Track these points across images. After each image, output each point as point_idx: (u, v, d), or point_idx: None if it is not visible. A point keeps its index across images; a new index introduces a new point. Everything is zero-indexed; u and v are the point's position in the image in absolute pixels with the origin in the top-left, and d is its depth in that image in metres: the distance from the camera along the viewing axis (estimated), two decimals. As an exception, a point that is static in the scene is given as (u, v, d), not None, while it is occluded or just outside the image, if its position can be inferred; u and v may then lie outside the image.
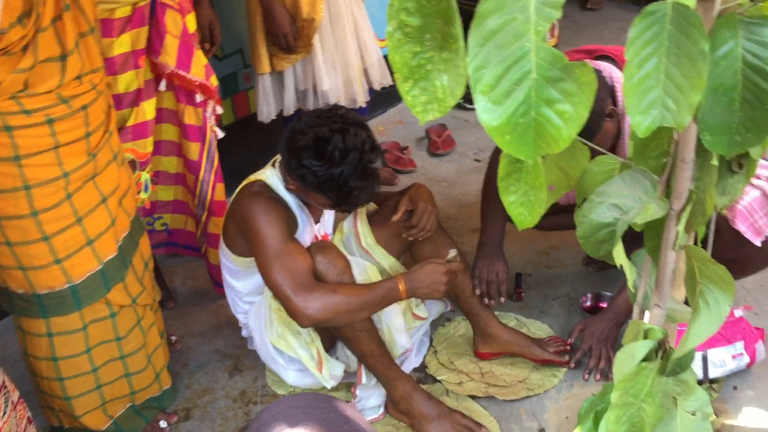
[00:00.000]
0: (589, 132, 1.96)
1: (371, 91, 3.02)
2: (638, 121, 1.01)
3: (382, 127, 3.77)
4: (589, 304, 2.48)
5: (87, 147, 1.74)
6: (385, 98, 3.78)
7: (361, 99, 2.90)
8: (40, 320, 1.82)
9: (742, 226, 1.93)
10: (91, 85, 1.73)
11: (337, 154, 1.82)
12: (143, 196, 2.27)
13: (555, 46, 3.97)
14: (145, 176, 2.20)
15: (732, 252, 1.98)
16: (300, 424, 0.86)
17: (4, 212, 1.68)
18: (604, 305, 2.43)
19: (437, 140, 3.56)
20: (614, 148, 2.10)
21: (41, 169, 1.67)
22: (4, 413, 1.62)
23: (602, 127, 1.99)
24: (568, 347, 2.26)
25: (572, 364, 2.22)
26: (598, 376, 2.19)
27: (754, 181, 1.99)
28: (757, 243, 1.94)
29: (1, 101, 1.58)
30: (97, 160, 1.78)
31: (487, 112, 0.91)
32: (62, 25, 1.63)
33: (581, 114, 0.92)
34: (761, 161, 2.07)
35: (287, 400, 0.91)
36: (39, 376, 1.94)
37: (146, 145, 2.17)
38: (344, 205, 1.92)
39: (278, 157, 2.03)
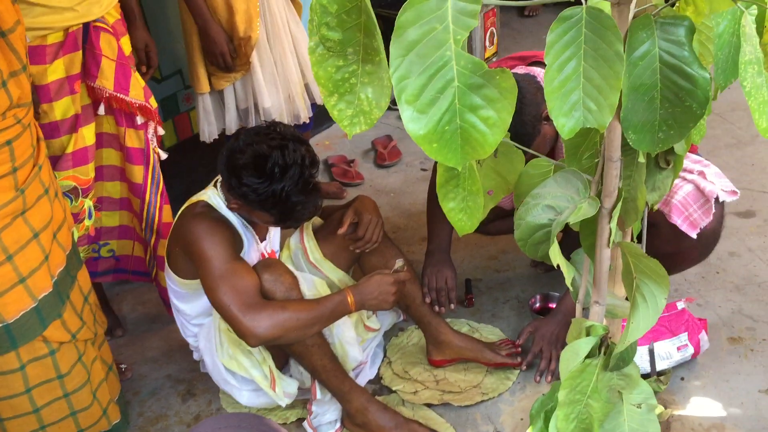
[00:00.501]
0: (528, 136, 2.00)
1: (314, 106, 3.02)
2: (562, 123, 1.03)
3: (328, 141, 3.78)
4: (538, 305, 2.51)
5: (14, 182, 1.70)
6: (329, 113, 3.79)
7: (304, 114, 2.90)
8: None
9: (678, 220, 1.99)
10: (15, 119, 1.69)
11: (277, 171, 1.82)
12: (87, 223, 2.23)
13: (495, 54, 4.03)
14: (88, 203, 2.17)
15: (670, 246, 2.03)
16: None
17: None
18: (553, 305, 2.47)
19: (383, 152, 3.58)
20: (554, 149, 2.14)
21: None
22: None
23: (540, 130, 2.03)
24: (519, 349, 2.29)
25: (524, 366, 2.25)
26: (550, 378, 2.22)
27: (687, 175, 2.05)
28: (693, 236, 1.99)
29: None
30: (26, 196, 1.73)
31: (413, 122, 0.93)
32: None
33: (504, 119, 0.94)
34: (693, 156, 2.13)
35: (210, 421, 0.90)
36: None
37: (88, 172, 2.14)
38: (288, 221, 1.92)
39: (219, 177, 2.02)
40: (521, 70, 2.13)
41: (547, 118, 2.07)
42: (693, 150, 2.21)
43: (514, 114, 0.94)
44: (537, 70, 2.10)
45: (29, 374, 1.83)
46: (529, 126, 1.98)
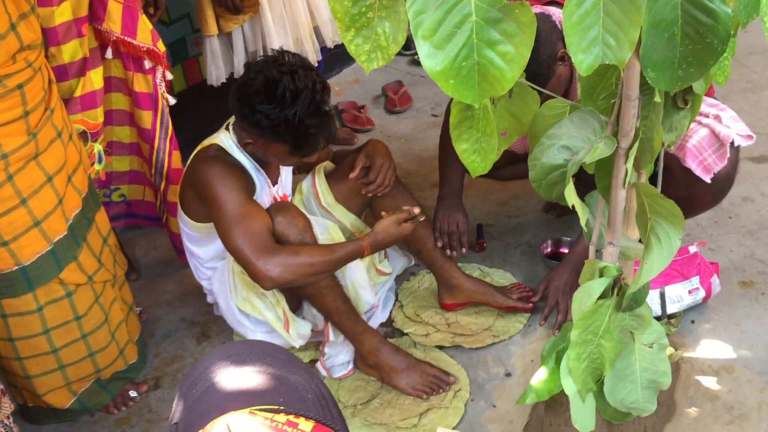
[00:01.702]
0: (543, 77, 1.97)
1: (324, 50, 2.99)
2: (580, 59, 1.02)
3: (338, 87, 3.74)
4: (549, 250, 2.51)
5: (26, 126, 1.70)
6: (339, 58, 3.74)
7: (313, 58, 2.87)
8: None
9: (692, 164, 1.97)
10: (25, 62, 1.67)
11: (288, 95, 1.80)
12: (97, 167, 2.23)
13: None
14: (98, 147, 2.16)
15: (684, 190, 2.01)
16: (238, 356, 0.87)
17: None
18: (564, 250, 2.47)
19: (394, 97, 3.54)
20: (568, 92, 2.12)
21: None
22: None
23: (556, 71, 2.00)
24: (531, 293, 2.30)
25: (542, 321, 2.25)
26: (557, 331, 2.23)
27: (702, 119, 2.03)
28: (707, 180, 1.97)
29: None
30: (39, 140, 1.73)
31: (429, 58, 0.92)
32: None
33: (523, 54, 0.93)
34: (709, 99, 2.10)
35: (219, 350, 0.92)
36: None
37: (96, 116, 2.13)
38: (303, 147, 1.90)
39: (232, 120, 2.01)
40: (536, 9, 2.09)
41: (563, 59, 2.03)
42: (710, 93, 2.17)
43: None
44: (553, 10, 2.06)
45: (47, 316, 1.86)
46: (544, 66, 1.95)
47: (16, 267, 1.76)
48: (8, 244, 1.73)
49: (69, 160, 1.84)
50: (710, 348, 2.10)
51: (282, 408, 0.77)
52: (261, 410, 0.75)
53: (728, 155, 1.97)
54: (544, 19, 1.97)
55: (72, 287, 1.88)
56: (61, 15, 1.97)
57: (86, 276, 1.91)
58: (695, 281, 2.13)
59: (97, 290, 1.97)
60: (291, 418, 0.72)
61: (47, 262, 1.80)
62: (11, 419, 1.78)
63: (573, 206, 1.33)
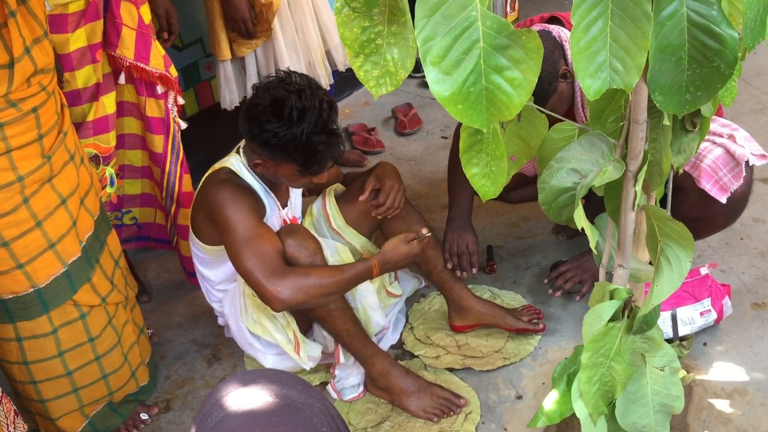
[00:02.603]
0: (544, 93, 1.98)
1: (335, 73, 3.02)
2: (588, 84, 1.03)
3: (348, 110, 3.77)
4: (560, 272, 2.51)
5: (41, 149, 1.72)
6: (350, 81, 3.77)
7: (325, 81, 2.90)
8: (8, 325, 1.81)
9: (707, 185, 1.96)
10: (39, 86, 1.70)
11: (295, 113, 1.82)
12: (109, 190, 2.25)
13: (516, 20, 3.97)
14: (110, 171, 2.19)
15: (698, 211, 2.01)
16: (254, 386, 0.88)
17: None
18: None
19: (404, 120, 3.57)
20: (571, 111, 2.12)
21: None
22: None
23: (557, 88, 2.01)
24: (542, 315, 2.30)
25: (545, 281, 2.36)
26: (558, 294, 2.34)
27: (716, 139, 2.03)
28: (723, 200, 1.97)
29: None
30: (53, 162, 1.75)
31: (438, 83, 0.93)
32: (8, 32, 1.60)
33: (530, 80, 0.94)
34: (720, 120, 2.10)
35: (241, 375, 0.92)
36: (13, 380, 1.93)
37: (108, 140, 2.16)
38: (311, 167, 1.91)
39: (242, 143, 2.03)
40: (537, 27, 2.10)
41: (564, 76, 2.04)
42: (718, 114, 2.18)
43: None
44: (552, 27, 2.08)
45: (61, 338, 1.87)
46: (545, 82, 1.96)
47: (32, 289, 1.78)
48: (24, 266, 1.74)
49: (81, 183, 1.86)
50: (723, 370, 2.08)
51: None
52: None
53: (744, 174, 1.96)
54: (545, 37, 1.99)
55: (86, 309, 1.90)
56: (76, 41, 2.00)
57: (99, 298, 1.92)
58: (707, 303, 2.12)
59: (110, 312, 1.99)
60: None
61: (62, 284, 1.82)
62: (26, 440, 1.79)
63: (583, 229, 1.33)
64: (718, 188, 1.98)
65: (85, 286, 1.87)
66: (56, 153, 1.76)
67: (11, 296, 1.76)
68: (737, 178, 1.96)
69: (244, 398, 0.87)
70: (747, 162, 1.96)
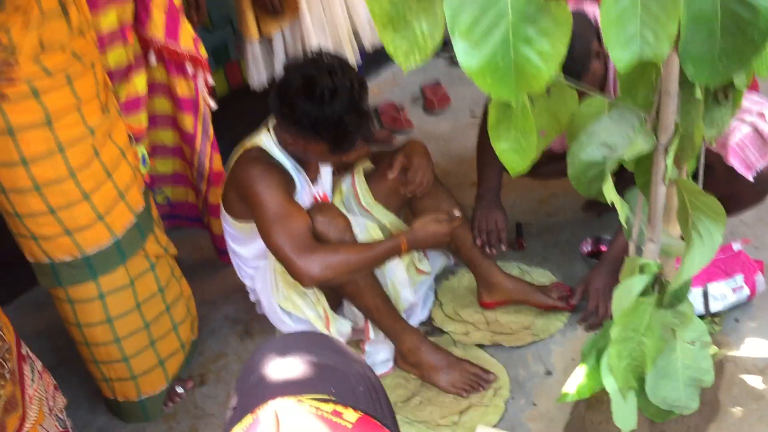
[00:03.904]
0: (576, 74, 1.96)
1: (363, 53, 3.01)
2: (618, 56, 1.02)
3: (377, 89, 3.77)
4: (589, 248, 2.50)
5: (100, 102, 1.79)
6: (378, 60, 3.76)
7: (352, 60, 2.90)
8: (90, 283, 1.87)
9: (734, 162, 1.95)
10: (93, 41, 1.77)
11: (327, 93, 1.83)
12: (142, 170, 2.28)
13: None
14: (142, 150, 2.22)
15: (725, 188, 1.99)
16: (291, 353, 0.90)
17: (43, 178, 1.70)
18: (605, 248, 2.46)
19: (432, 98, 3.56)
20: (602, 88, 2.10)
21: (71, 129, 1.70)
22: (33, 380, 1.68)
23: (590, 67, 1.99)
24: (571, 292, 2.29)
25: (580, 323, 2.23)
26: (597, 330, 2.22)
27: (745, 116, 2.00)
28: (750, 178, 1.95)
29: (27, 66, 1.60)
30: (111, 115, 1.83)
31: (467, 55, 0.92)
32: None
33: (559, 51, 0.93)
34: (753, 96, 2.07)
35: (280, 338, 0.95)
36: (94, 344, 1.98)
37: (140, 120, 2.19)
38: (342, 146, 1.92)
39: (271, 120, 2.04)
40: (571, 6, 2.08)
41: (597, 55, 2.02)
42: (754, 88, 2.14)
43: None
44: (587, 5, 2.05)
45: (138, 289, 1.95)
46: (578, 63, 1.95)
47: (113, 240, 1.85)
48: (104, 218, 1.81)
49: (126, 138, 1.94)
50: (755, 347, 2.07)
51: (332, 398, 0.79)
52: (310, 398, 0.77)
53: None
54: (578, 17, 1.97)
55: (154, 259, 1.99)
56: (107, 22, 2.03)
57: (162, 248, 2.02)
58: (739, 279, 2.10)
59: (171, 264, 2.09)
60: (338, 408, 0.74)
61: (134, 233, 1.90)
62: (65, 413, 1.83)
63: (612, 203, 1.32)
64: (745, 166, 1.96)
65: (150, 236, 1.96)
66: (111, 107, 1.84)
67: (96, 250, 1.83)
68: (764, 157, 1.94)
69: (284, 359, 0.89)
70: None
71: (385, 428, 0.77)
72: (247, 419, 0.75)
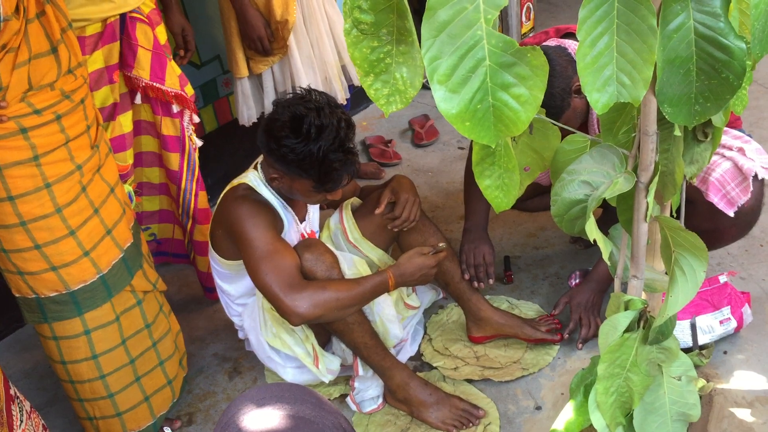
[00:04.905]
0: (557, 109, 1.99)
1: (351, 87, 3.04)
2: (595, 98, 1.04)
3: (365, 122, 3.80)
4: (577, 281, 2.50)
5: (89, 140, 1.80)
6: (366, 94, 3.80)
7: (341, 96, 2.92)
8: (75, 320, 1.86)
9: (714, 198, 1.97)
10: (83, 79, 1.78)
11: (313, 131, 1.85)
12: (129, 207, 2.30)
13: (532, 29, 3.97)
14: (128, 188, 2.23)
15: (708, 223, 2.01)
16: (268, 405, 0.90)
17: (30, 215, 1.71)
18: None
19: (420, 131, 3.58)
20: (585, 125, 2.13)
21: (58, 165, 1.72)
22: (21, 421, 1.66)
23: (570, 104, 2.01)
24: (560, 325, 2.30)
25: (566, 335, 2.26)
26: (581, 346, 2.26)
27: (725, 152, 2.03)
28: (730, 214, 1.97)
29: (13, 105, 1.63)
30: (100, 152, 1.84)
31: (445, 101, 0.94)
32: (47, 19, 1.68)
33: (536, 96, 0.95)
34: (733, 132, 2.10)
35: (253, 392, 0.95)
36: (78, 382, 1.96)
37: (126, 158, 2.20)
38: (327, 183, 1.94)
39: (260, 159, 2.06)
40: (553, 42, 2.12)
41: (578, 92, 2.05)
42: (737, 125, 2.17)
43: None
44: (569, 42, 2.09)
45: (123, 325, 1.94)
46: (558, 99, 1.97)
47: (98, 276, 1.84)
48: (89, 254, 1.81)
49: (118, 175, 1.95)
50: (744, 379, 2.07)
51: (306, 452, 0.79)
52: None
53: (752, 189, 1.96)
54: (559, 53, 2.00)
55: (141, 295, 1.98)
56: (93, 63, 2.05)
57: (151, 284, 2.01)
58: (726, 311, 2.11)
59: (159, 300, 2.08)
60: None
61: (120, 269, 1.89)
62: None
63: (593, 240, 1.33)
64: (725, 202, 1.98)
65: (138, 271, 1.96)
66: (101, 144, 1.85)
67: (80, 286, 1.83)
68: (745, 192, 1.96)
69: (257, 414, 0.89)
70: (756, 176, 1.96)
71: None
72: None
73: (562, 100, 1.98)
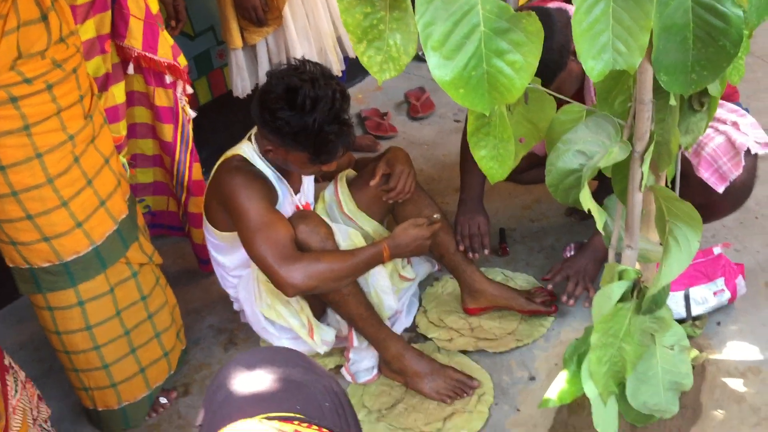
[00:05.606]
0: (554, 65, 1.95)
1: (347, 59, 3.02)
2: (591, 66, 1.03)
3: (361, 95, 3.77)
4: (572, 253, 2.51)
5: (83, 110, 1.78)
6: (362, 67, 3.77)
7: (337, 68, 2.90)
8: (69, 290, 1.86)
9: (705, 173, 1.96)
10: (75, 47, 1.76)
11: (308, 102, 1.84)
12: (123, 178, 2.29)
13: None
14: (122, 160, 2.22)
15: (700, 197, 2.00)
16: (258, 368, 0.90)
17: (21, 185, 1.70)
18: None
19: (416, 104, 3.56)
20: (581, 91, 2.11)
21: (49, 136, 1.70)
22: (16, 391, 1.67)
23: (567, 64, 1.99)
24: (554, 297, 2.31)
25: (570, 302, 2.28)
26: (572, 302, 2.27)
27: (719, 126, 2.02)
28: (720, 190, 1.96)
29: (3, 74, 1.61)
30: (94, 123, 1.82)
31: (439, 68, 0.93)
32: None
33: (531, 63, 0.94)
34: (729, 105, 2.09)
35: (245, 355, 0.95)
36: (73, 352, 1.96)
37: (119, 129, 2.19)
38: (322, 155, 1.92)
39: (254, 131, 2.04)
40: (555, 4, 2.09)
41: (575, 54, 2.03)
42: (735, 98, 2.15)
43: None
44: (570, 7, 2.07)
45: (118, 296, 1.94)
46: (556, 54, 1.94)
47: (91, 247, 1.83)
48: (82, 225, 1.80)
49: (113, 147, 1.93)
50: (736, 350, 2.08)
51: (296, 415, 0.80)
52: (273, 418, 0.77)
53: (743, 164, 1.95)
54: (560, 13, 1.98)
55: (136, 267, 1.98)
56: (85, 32, 2.02)
57: (147, 256, 2.01)
58: (720, 283, 2.11)
59: (156, 272, 2.07)
60: (300, 427, 0.74)
61: (115, 241, 1.89)
62: (49, 423, 1.83)
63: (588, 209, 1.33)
64: (716, 177, 1.98)
65: (134, 244, 1.95)
66: (95, 114, 1.83)
67: (74, 257, 1.82)
68: (736, 167, 1.95)
69: (250, 375, 0.89)
70: (749, 150, 1.95)
71: None
72: (209, 442, 0.76)
73: (561, 57, 1.95)
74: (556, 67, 1.95)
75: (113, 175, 1.89)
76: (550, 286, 2.33)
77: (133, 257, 1.96)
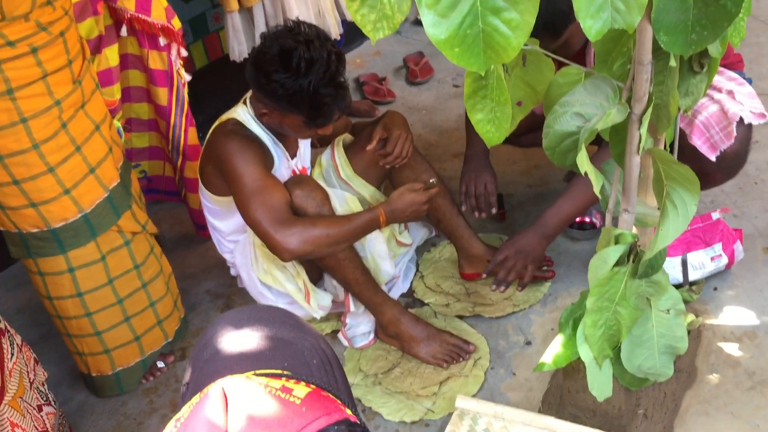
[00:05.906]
0: (563, 15, 1.88)
1: (345, 23, 2.98)
2: (589, 25, 1.01)
3: (359, 60, 3.74)
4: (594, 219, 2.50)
5: (71, 75, 1.75)
6: (360, 30, 3.73)
7: (335, 31, 2.87)
8: (59, 257, 1.85)
9: (698, 142, 1.94)
10: (63, 10, 1.72)
11: (303, 64, 1.81)
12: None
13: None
14: (117, 124, 2.20)
15: (693, 165, 1.97)
16: (246, 326, 0.90)
17: (6, 149, 1.68)
18: (586, 219, 2.46)
19: (415, 69, 3.53)
20: (584, 51, 2.08)
21: (34, 100, 1.67)
22: (12, 354, 1.67)
23: (575, 19, 1.94)
24: (552, 262, 2.30)
25: (483, 275, 2.25)
26: (503, 288, 2.22)
27: (715, 94, 1.99)
28: (712, 158, 1.94)
29: None
30: (83, 88, 1.79)
31: (434, 26, 0.91)
32: None
33: (528, 21, 0.92)
34: (728, 73, 2.06)
35: (233, 313, 0.95)
36: (66, 318, 1.97)
37: (113, 92, 2.16)
38: (318, 119, 1.90)
39: (249, 94, 2.02)
40: None
41: None
42: (739, 66, 2.11)
43: None
44: None
45: (110, 265, 1.93)
46: (565, 3, 1.89)
47: (80, 215, 1.82)
48: (70, 192, 1.78)
49: (107, 112, 1.90)
50: (733, 315, 2.09)
51: (284, 372, 0.79)
52: (261, 374, 0.77)
53: (735, 134, 1.93)
54: None
55: (129, 236, 1.96)
56: (78, -7, 1.99)
57: (140, 225, 1.99)
58: (718, 248, 2.11)
59: (150, 241, 2.05)
60: (288, 383, 0.74)
61: (105, 209, 1.87)
62: (46, 386, 1.84)
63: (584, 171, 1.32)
64: (708, 146, 1.95)
65: (126, 212, 1.93)
66: (85, 79, 1.80)
67: (61, 224, 1.81)
68: (728, 138, 1.93)
69: (237, 333, 0.89)
70: (742, 120, 1.92)
71: (337, 399, 0.77)
72: (196, 398, 0.75)
73: (571, 7, 1.89)
74: (566, 18, 1.89)
75: (104, 141, 1.85)
76: (490, 266, 2.26)
77: (125, 225, 1.94)
